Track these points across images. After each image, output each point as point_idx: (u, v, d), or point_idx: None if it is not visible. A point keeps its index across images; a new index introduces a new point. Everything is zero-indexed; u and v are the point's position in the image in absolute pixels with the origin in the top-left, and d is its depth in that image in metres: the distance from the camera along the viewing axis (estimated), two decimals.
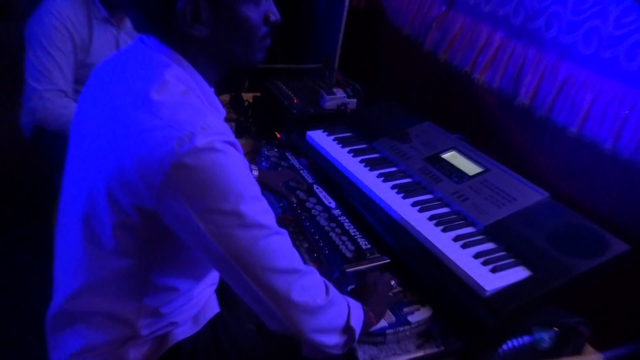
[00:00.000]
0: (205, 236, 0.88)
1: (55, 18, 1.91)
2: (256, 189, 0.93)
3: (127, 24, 2.16)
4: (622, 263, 1.29)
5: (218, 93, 1.05)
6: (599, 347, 1.39)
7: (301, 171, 1.80)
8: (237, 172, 0.89)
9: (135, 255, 0.97)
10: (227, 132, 0.91)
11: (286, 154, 1.92)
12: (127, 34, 2.18)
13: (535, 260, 1.26)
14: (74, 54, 1.97)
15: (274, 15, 1.00)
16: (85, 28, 2.00)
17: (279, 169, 1.85)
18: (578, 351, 1.38)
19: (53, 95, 1.91)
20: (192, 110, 0.90)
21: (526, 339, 1.30)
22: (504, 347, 1.27)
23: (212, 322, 1.17)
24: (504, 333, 1.25)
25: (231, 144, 0.90)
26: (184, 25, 0.91)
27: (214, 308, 1.20)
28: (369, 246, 1.43)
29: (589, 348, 1.39)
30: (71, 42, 1.95)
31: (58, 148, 1.07)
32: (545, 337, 1.32)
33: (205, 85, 0.98)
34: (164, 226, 0.91)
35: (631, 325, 1.29)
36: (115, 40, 2.14)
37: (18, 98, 2.04)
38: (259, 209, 0.92)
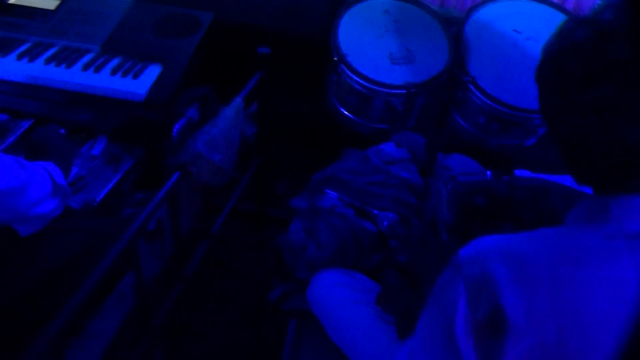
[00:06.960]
0: None
1: None
2: None
3: None
4: (215, 29, 1.39)
5: None
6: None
7: None
8: None
9: None
10: None
11: None
12: None
13: (155, 56, 1.27)
14: None
15: None
16: None
17: None
18: (215, 113, 1.50)
19: None
20: None
21: (183, 120, 1.37)
22: (175, 129, 1.31)
23: None
24: (170, 119, 1.28)
25: None
26: None
27: None
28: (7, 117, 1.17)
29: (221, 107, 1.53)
30: None
31: None
32: (194, 113, 1.41)
33: None
34: None
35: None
36: None
37: None
38: None
